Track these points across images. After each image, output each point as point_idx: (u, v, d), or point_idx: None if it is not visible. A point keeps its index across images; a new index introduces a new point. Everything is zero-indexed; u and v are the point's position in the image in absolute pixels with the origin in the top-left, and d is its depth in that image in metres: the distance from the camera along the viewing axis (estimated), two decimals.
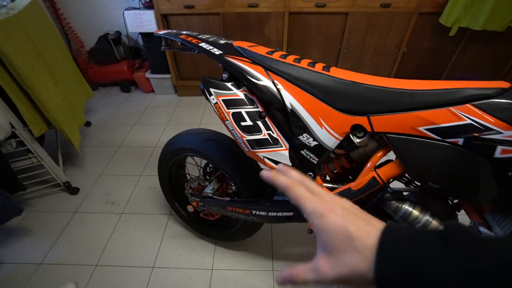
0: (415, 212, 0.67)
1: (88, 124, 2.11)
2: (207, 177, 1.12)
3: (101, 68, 2.47)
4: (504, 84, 0.52)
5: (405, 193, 0.72)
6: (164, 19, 2.09)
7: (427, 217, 0.66)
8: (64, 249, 1.26)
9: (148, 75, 2.40)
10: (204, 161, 1.09)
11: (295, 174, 0.31)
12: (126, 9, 2.10)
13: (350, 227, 0.24)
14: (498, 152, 0.51)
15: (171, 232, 1.33)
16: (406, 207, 0.68)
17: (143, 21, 2.09)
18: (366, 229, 0.24)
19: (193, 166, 1.16)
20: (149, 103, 2.42)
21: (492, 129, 0.50)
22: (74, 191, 1.52)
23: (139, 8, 2.12)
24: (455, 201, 0.73)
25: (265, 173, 0.31)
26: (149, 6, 2.09)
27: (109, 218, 1.40)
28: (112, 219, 1.39)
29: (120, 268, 1.18)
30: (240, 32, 2.11)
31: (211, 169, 1.12)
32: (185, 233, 1.32)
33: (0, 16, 1.12)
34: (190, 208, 1.08)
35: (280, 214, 0.89)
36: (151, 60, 2.34)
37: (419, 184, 0.74)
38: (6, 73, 1.13)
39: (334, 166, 0.78)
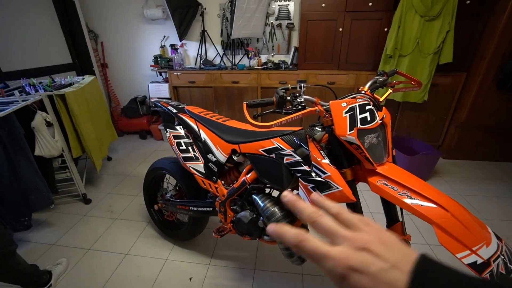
0: (264, 198, 1.17)
1: (109, 158, 2.85)
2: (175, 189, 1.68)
3: (128, 121, 3.36)
4: (296, 128, 1.08)
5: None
6: (175, 89, 2.99)
7: (268, 201, 1.15)
8: (70, 237, 1.79)
9: (159, 127, 3.21)
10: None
11: (332, 204, 0.29)
12: (150, 82, 3.05)
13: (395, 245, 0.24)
14: (285, 160, 1.05)
15: (146, 233, 1.82)
16: (260, 196, 1.18)
17: (160, 90, 3.00)
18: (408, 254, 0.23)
19: (169, 185, 1.74)
20: (158, 147, 3.16)
21: (283, 149, 1.05)
22: (87, 201, 2.13)
23: (159, 82, 3.06)
24: None
25: (286, 197, 0.29)
26: (166, 80, 3.02)
27: (106, 221, 1.94)
28: (108, 222, 1.93)
29: (103, 252, 1.67)
30: (226, 99, 2.92)
31: (179, 186, 1.69)
32: (155, 235, 1.81)
33: (75, 88, 1.96)
34: (155, 207, 1.62)
35: (205, 209, 1.41)
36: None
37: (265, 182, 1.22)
38: (69, 118, 1.91)
39: (230, 175, 1.32)
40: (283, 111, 0.94)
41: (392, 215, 1.03)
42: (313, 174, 0.93)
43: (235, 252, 1.66)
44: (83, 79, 2.31)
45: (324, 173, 0.90)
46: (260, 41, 2.98)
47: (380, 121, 0.90)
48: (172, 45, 3.08)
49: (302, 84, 0.96)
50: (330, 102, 0.91)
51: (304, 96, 0.95)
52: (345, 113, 0.87)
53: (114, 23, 3.20)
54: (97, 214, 2.02)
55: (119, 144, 3.24)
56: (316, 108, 0.90)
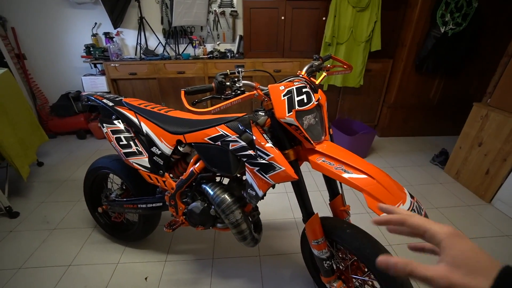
0: (214, 187, 1.16)
1: (40, 164, 2.50)
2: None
3: (61, 120, 2.97)
4: (240, 114, 1.08)
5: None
6: (114, 82, 2.73)
7: (217, 189, 1.15)
8: None
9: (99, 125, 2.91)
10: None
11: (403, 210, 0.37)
12: (84, 75, 2.73)
13: (480, 255, 0.28)
14: (230, 146, 1.05)
15: (92, 240, 1.67)
16: (209, 184, 1.17)
17: (97, 84, 2.71)
18: (492, 260, 0.28)
19: (113, 185, 1.60)
20: (100, 147, 2.88)
21: (228, 135, 1.05)
22: (14, 215, 1.85)
23: (95, 75, 2.75)
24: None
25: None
26: (103, 73, 2.73)
27: (41, 233, 1.72)
28: (44, 234, 1.71)
29: (39, 268, 1.48)
30: (173, 91, 2.79)
31: (124, 185, 1.57)
32: (104, 240, 1.67)
33: None
34: (99, 210, 1.49)
35: (154, 205, 1.35)
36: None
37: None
38: None
39: (177, 167, 1.28)
40: (222, 96, 0.94)
41: (334, 189, 1.14)
42: (258, 158, 0.96)
43: (191, 245, 1.63)
44: None
45: (268, 155, 0.94)
46: (204, 29, 2.89)
47: (316, 102, 0.96)
48: (106, 34, 2.78)
49: (240, 69, 0.97)
50: (268, 86, 0.94)
51: (243, 81, 0.96)
52: (283, 96, 0.91)
53: (26, 5, 2.73)
54: (28, 227, 1.77)
55: (52, 147, 2.86)
56: (255, 92, 0.92)
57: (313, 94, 0.96)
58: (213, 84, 0.93)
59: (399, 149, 2.86)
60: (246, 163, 1.00)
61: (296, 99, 0.91)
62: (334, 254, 1.12)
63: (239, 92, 0.94)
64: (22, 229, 1.76)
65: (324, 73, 1.16)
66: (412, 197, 0.82)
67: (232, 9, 2.80)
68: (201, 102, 0.93)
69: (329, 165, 0.89)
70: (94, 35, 2.86)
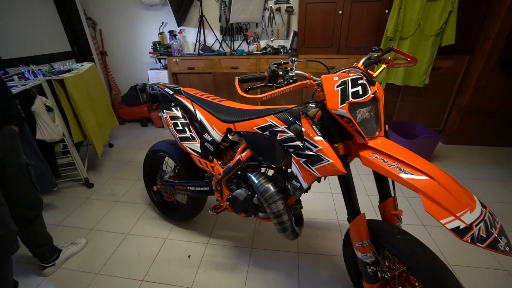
0: (259, 176, 1.18)
1: (111, 145, 2.88)
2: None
3: (129, 108, 3.37)
4: (290, 106, 1.09)
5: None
6: (174, 76, 2.98)
7: (262, 178, 1.16)
8: (74, 219, 1.84)
9: (160, 114, 3.22)
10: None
11: None
12: (150, 69, 3.05)
13: None
14: (278, 137, 1.06)
15: (147, 215, 1.87)
16: (254, 173, 1.20)
17: (160, 77, 2.99)
18: None
19: (167, 167, 1.77)
20: (158, 134, 3.19)
21: (276, 126, 1.06)
22: (90, 185, 2.17)
23: (159, 69, 3.05)
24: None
25: None
26: (165, 67, 3.01)
27: (108, 204, 1.99)
28: (110, 204, 1.98)
29: (105, 232, 1.71)
30: (226, 85, 2.91)
31: (177, 168, 1.71)
32: (156, 216, 1.85)
33: (73, 74, 1.97)
34: (154, 188, 1.65)
35: (202, 188, 1.44)
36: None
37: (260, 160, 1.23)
38: (68, 104, 1.93)
39: (225, 154, 1.34)
40: (274, 85, 0.95)
41: (385, 190, 1.05)
42: (306, 149, 0.94)
43: (232, 232, 1.69)
44: (82, 65, 2.31)
45: (316, 147, 0.91)
46: (259, 26, 2.94)
47: (373, 95, 0.89)
48: (170, 32, 3.05)
49: (293, 59, 0.96)
50: (322, 76, 0.91)
51: (296, 71, 0.95)
52: (337, 87, 0.87)
53: (112, 10, 3.17)
54: (99, 197, 2.07)
55: (121, 132, 3.28)
56: (307, 81, 0.91)
57: (369, 87, 0.90)
58: (266, 73, 0.95)
59: (469, 160, 2.48)
60: (292, 154, 0.99)
61: (351, 90, 0.87)
62: (380, 260, 1.04)
63: (291, 81, 0.94)
64: (95, 198, 2.06)
65: (383, 65, 1.08)
66: (483, 206, 0.71)
67: (288, 5, 2.79)
68: (254, 90, 0.96)
69: (382, 161, 0.83)
70: (160, 33, 3.16)
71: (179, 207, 1.77)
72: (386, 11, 2.37)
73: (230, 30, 2.99)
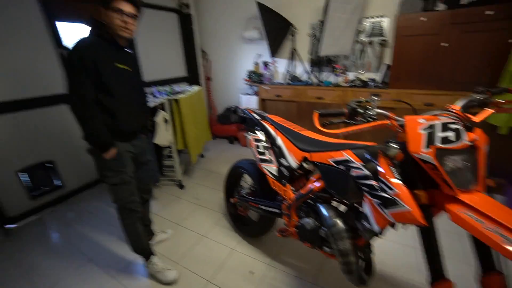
0: (329, 209, 1.18)
1: (202, 156, 3.37)
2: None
3: (221, 126, 3.88)
4: (369, 143, 1.09)
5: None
6: (263, 102, 3.29)
7: (332, 212, 1.16)
8: (166, 211, 2.23)
9: (245, 134, 3.57)
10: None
11: None
12: (243, 94, 3.47)
13: None
14: (352, 172, 1.06)
15: (221, 223, 2.08)
16: (325, 206, 1.21)
17: (250, 102, 3.36)
18: None
19: (245, 184, 1.96)
20: (242, 152, 3.52)
21: (352, 161, 1.07)
22: (181, 187, 2.60)
23: (250, 94, 3.44)
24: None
25: None
26: (256, 93, 3.37)
27: (192, 205, 2.33)
28: (193, 206, 2.31)
29: (186, 229, 2.00)
30: (309, 114, 2.99)
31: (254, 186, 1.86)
32: (228, 226, 2.04)
33: (186, 95, 2.49)
34: (231, 200, 1.85)
35: (272, 210, 1.53)
36: None
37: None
38: (178, 118, 2.43)
39: (299, 181, 1.40)
40: (352, 122, 0.97)
41: (487, 260, 0.83)
42: (381, 191, 0.91)
43: (296, 261, 1.69)
44: (192, 88, 2.87)
45: (393, 190, 0.87)
46: (348, 58, 2.96)
47: (470, 143, 0.81)
48: (264, 62, 3.43)
49: (375, 98, 0.97)
50: (405, 116, 0.89)
51: (377, 110, 0.96)
52: (422, 129, 0.83)
53: (220, 44, 3.83)
54: (186, 198, 2.44)
55: (212, 146, 3.79)
56: (388, 121, 0.90)
57: (465, 133, 0.81)
58: (345, 110, 0.99)
59: None
60: (365, 193, 0.97)
61: (440, 135, 0.81)
62: None
63: (370, 119, 0.95)
64: (183, 198, 2.44)
65: (490, 109, 0.95)
66: None
67: (382, 38, 2.72)
68: (331, 125, 1.01)
69: (476, 221, 0.72)
70: (256, 63, 3.59)
71: (250, 222, 1.90)
72: (510, 40, 2.01)
73: (319, 62, 3.12)
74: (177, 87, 2.82)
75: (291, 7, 3.11)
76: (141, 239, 1.58)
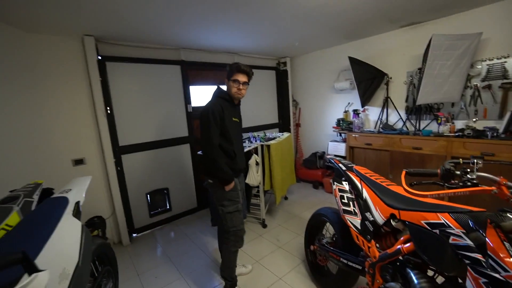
0: (421, 277, 1.05)
1: (286, 198, 3.49)
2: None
3: (307, 171, 3.97)
4: (475, 208, 0.96)
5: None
6: (351, 149, 3.24)
7: (424, 281, 1.02)
8: (248, 247, 2.39)
9: (331, 180, 3.51)
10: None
11: None
12: (330, 141, 3.51)
13: None
14: (451, 239, 0.95)
15: (298, 269, 2.06)
16: (416, 272, 1.08)
17: (338, 149, 3.36)
18: None
19: (327, 232, 1.94)
20: (326, 199, 3.45)
21: (451, 227, 0.97)
22: (264, 226, 2.75)
23: (338, 141, 3.45)
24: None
25: None
26: (344, 140, 3.35)
27: (272, 246, 2.41)
28: (273, 247, 2.39)
29: (264, 268, 2.07)
30: (403, 165, 2.73)
31: (335, 236, 1.82)
32: (305, 274, 1.99)
33: (276, 141, 2.77)
34: (311, 247, 1.84)
35: (354, 265, 1.45)
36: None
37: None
38: (268, 161, 2.70)
39: (385, 239, 1.30)
40: (446, 184, 0.90)
41: None
42: (489, 269, 0.78)
43: None
44: (283, 134, 3.16)
45: (506, 271, 0.74)
46: (456, 105, 2.63)
47: None
48: (354, 110, 3.43)
49: (476, 160, 0.88)
50: None
51: (480, 173, 0.86)
52: None
53: (311, 94, 4.12)
54: (268, 238, 2.55)
55: (296, 189, 3.88)
56: (495, 188, 0.80)
57: None
58: (438, 170, 0.94)
59: None
60: (468, 267, 0.85)
61: None
62: None
63: (469, 184, 0.86)
64: (265, 237, 2.57)
65: None
66: None
67: (506, 81, 2.32)
68: (420, 185, 0.96)
69: None
70: (345, 111, 3.63)
71: (329, 274, 1.82)
72: None
73: (417, 110, 2.89)
74: (269, 134, 3.17)
75: (385, 57, 3.12)
76: (235, 268, 1.82)
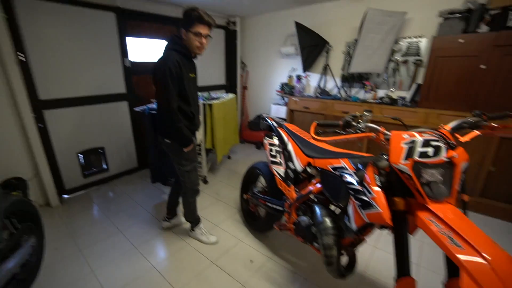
0: (322, 209, 1.29)
1: (229, 157, 3.63)
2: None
3: (250, 132, 4.12)
4: (366, 154, 1.19)
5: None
6: (291, 112, 3.45)
7: (324, 212, 1.27)
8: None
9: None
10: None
11: None
12: (273, 104, 3.67)
13: None
14: (345, 178, 1.17)
15: (234, 217, 2.27)
16: (320, 206, 1.32)
17: (279, 112, 3.54)
18: None
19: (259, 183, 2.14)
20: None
21: (347, 168, 1.18)
22: (206, 182, 2.87)
23: (280, 104, 3.63)
24: None
25: None
26: (286, 104, 3.54)
27: (212, 199, 2.56)
28: (213, 200, 2.54)
29: (204, 219, 2.22)
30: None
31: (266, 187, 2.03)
32: (239, 220, 2.22)
33: (219, 101, 2.78)
34: (245, 196, 2.03)
35: (277, 207, 1.68)
36: None
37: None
38: (210, 121, 2.72)
39: (302, 184, 1.53)
40: (343, 132, 1.09)
41: (452, 266, 0.92)
42: (362, 195, 1.01)
43: (295, 258, 1.79)
44: (227, 95, 3.16)
45: (371, 194, 0.98)
46: (381, 76, 2.98)
47: (446, 159, 0.88)
48: (297, 76, 3.60)
49: (366, 113, 1.08)
50: (392, 131, 0.99)
51: (368, 124, 1.06)
52: (404, 144, 0.92)
53: (259, 58, 4.12)
54: (208, 192, 2.69)
55: (240, 149, 4.04)
56: (373, 134, 1.00)
57: (445, 150, 0.89)
58: (340, 122, 1.12)
59: None
60: (352, 196, 1.08)
61: (419, 149, 0.90)
62: None
63: (359, 131, 1.06)
64: (206, 192, 2.70)
65: (477, 131, 0.99)
66: None
67: (417, 58, 2.70)
68: (325, 134, 1.14)
69: (435, 226, 0.80)
70: (289, 76, 3.78)
71: (258, 218, 2.06)
72: None
73: (350, 78, 3.18)
74: (214, 94, 3.14)
75: (330, 26, 3.25)
76: (196, 212, 1.97)
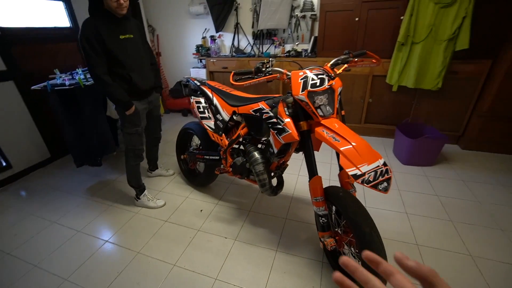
0: (251, 146, 1.56)
1: None
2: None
3: (174, 100, 4.04)
4: (277, 95, 1.46)
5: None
6: (211, 74, 3.52)
7: (253, 148, 1.54)
8: (124, 176, 2.46)
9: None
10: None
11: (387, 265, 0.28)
12: (192, 68, 3.64)
13: None
14: (264, 116, 1.43)
15: (176, 180, 2.39)
16: (249, 145, 1.58)
17: (199, 75, 3.56)
18: None
19: (194, 143, 2.27)
20: None
21: (264, 109, 1.43)
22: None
23: (199, 67, 3.63)
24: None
25: (345, 262, 0.29)
26: (205, 66, 3.57)
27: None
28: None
29: (147, 188, 2.27)
30: None
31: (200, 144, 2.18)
32: (182, 181, 2.35)
33: None
34: (182, 157, 2.16)
35: (213, 157, 1.88)
36: None
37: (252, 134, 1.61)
38: None
39: (231, 131, 1.75)
40: (255, 77, 1.32)
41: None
42: (277, 124, 1.30)
43: (238, 198, 2.10)
44: None
45: (283, 122, 1.27)
46: (286, 31, 3.30)
47: (328, 87, 1.21)
48: (211, 36, 3.60)
49: (271, 59, 1.33)
50: (291, 71, 1.27)
51: (274, 68, 1.31)
52: (300, 79, 1.21)
53: (167, 19, 3.87)
54: (142, 164, 2.66)
55: (167, 119, 3.95)
56: (277, 75, 1.27)
57: (328, 80, 1.22)
58: (253, 69, 1.33)
59: (484, 166, 2.47)
60: (271, 128, 1.36)
61: (310, 82, 1.20)
62: (334, 217, 1.34)
63: (267, 74, 1.31)
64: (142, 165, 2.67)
65: (345, 65, 1.37)
66: (385, 164, 0.99)
67: (312, 13, 3.09)
68: (242, 80, 1.34)
69: (326, 134, 1.15)
70: (203, 37, 3.74)
71: (199, 174, 2.25)
72: (402, 17, 2.52)
73: (261, 35, 3.41)
74: None
75: None
76: (140, 178, 2.01)
